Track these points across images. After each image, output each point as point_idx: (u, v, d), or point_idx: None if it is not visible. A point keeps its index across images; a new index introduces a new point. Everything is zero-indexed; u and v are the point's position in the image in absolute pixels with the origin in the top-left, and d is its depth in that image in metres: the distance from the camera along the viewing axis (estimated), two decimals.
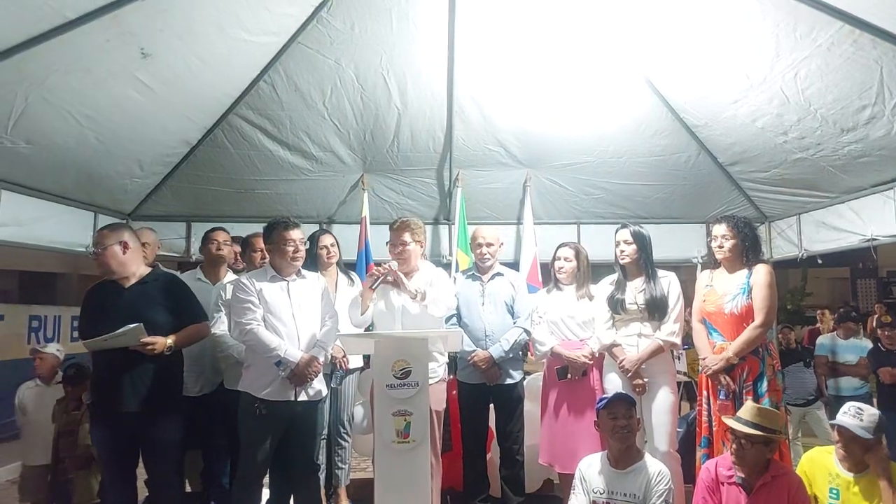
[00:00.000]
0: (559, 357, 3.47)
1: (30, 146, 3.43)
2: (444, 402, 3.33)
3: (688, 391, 5.95)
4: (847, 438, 2.61)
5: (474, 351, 3.47)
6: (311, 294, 3.14)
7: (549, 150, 4.59)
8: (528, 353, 4.19)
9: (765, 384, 3.05)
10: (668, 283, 3.32)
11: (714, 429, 3.13)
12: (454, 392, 3.66)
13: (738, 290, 3.15)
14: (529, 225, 4.84)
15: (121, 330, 2.75)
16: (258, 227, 3.50)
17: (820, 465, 2.76)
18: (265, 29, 3.51)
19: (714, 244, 3.27)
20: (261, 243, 3.40)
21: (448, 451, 3.64)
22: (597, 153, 4.56)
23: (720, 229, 3.23)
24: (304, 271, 3.16)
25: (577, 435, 3.32)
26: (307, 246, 3.23)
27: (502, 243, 3.80)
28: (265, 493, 3.18)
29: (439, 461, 3.20)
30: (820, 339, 5.42)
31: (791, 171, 4.26)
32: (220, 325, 3.44)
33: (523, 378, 3.73)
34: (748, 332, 3.08)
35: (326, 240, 3.73)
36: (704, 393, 3.22)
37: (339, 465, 3.75)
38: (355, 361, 3.76)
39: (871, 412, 2.64)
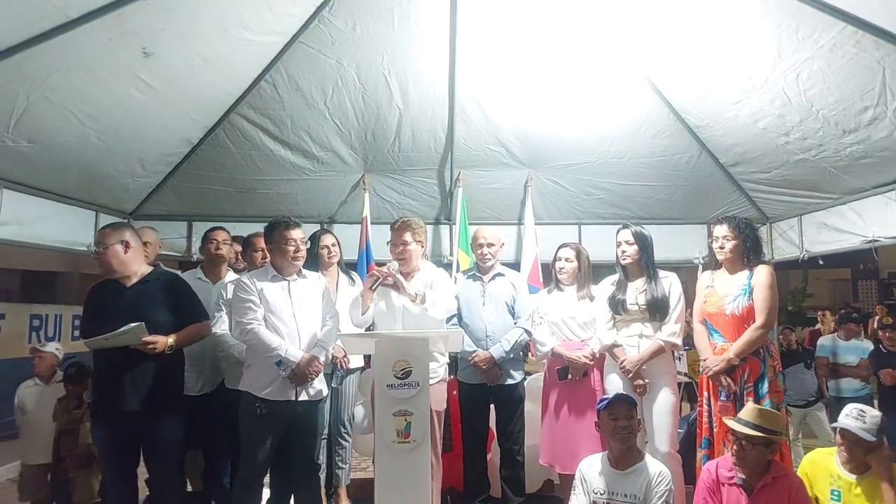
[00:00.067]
0: (560, 357, 3.46)
1: (31, 145, 3.43)
2: (444, 402, 3.33)
3: (688, 392, 5.94)
4: (850, 441, 2.61)
5: (475, 351, 3.47)
6: (312, 294, 3.13)
7: (551, 151, 4.60)
8: (529, 354, 4.19)
9: (766, 385, 3.04)
10: (670, 283, 3.31)
11: (715, 430, 3.12)
12: (455, 392, 3.66)
13: (739, 291, 3.14)
14: (530, 225, 4.84)
15: (122, 329, 2.75)
16: (259, 227, 3.50)
17: (821, 466, 2.75)
18: (267, 28, 3.51)
19: (715, 245, 3.26)
20: (262, 243, 3.39)
21: (448, 451, 3.63)
22: (598, 153, 4.56)
23: (721, 230, 3.22)
24: (304, 271, 3.16)
25: (577, 435, 3.31)
26: (308, 246, 3.23)
27: (503, 243, 3.80)
28: (266, 493, 3.18)
29: (440, 461, 3.20)
30: (821, 341, 5.42)
31: (792, 172, 4.26)
32: (221, 325, 3.45)
33: (524, 378, 3.72)
34: (749, 333, 3.07)
35: (327, 239, 3.73)
36: (705, 394, 3.22)
37: (340, 464, 3.75)
38: (356, 361, 3.75)
39: (873, 413, 2.64)
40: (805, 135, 3.75)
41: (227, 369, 3.47)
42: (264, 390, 2.90)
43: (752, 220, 3.53)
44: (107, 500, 3.23)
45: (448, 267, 4.74)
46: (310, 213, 4.93)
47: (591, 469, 2.77)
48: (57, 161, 3.70)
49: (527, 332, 3.54)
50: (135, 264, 2.98)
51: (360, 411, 3.90)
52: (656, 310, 3.26)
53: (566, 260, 3.59)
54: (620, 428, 2.65)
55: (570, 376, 3.41)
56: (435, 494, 3.03)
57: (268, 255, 3.22)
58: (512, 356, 3.51)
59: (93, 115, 3.46)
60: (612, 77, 3.97)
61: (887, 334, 4.84)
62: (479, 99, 4.16)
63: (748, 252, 3.19)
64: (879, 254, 4.32)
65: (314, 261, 3.53)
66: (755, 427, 2.54)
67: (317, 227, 4.27)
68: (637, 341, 3.28)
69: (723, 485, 2.64)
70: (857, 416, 2.61)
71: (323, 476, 3.55)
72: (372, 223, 4.76)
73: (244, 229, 4.07)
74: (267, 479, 3.10)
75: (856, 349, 5.06)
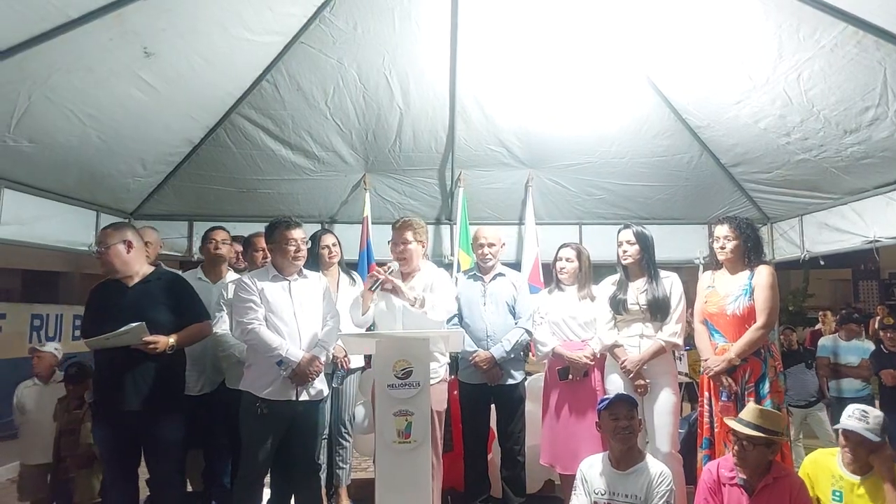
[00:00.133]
0: (560, 358, 3.46)
1: (32, 145, 3.43)
2: (445, 402, 3.32)
3: (689, 392, 5.93)
4: (854, 442, 2.61)
5: (476, 351, 3.47)
6: (313, 294, 3.13)
7: (551, 151, 4.59)
8: (530, 354, 4.19)
9: (767, 385, 3.04)
10: (671, 283, 3.31)
11: (716, 430, 3.12)
12: (455, 392, 3.66)
13: (739, 292, 3.14)
14: (531, 225, 4.84)
15: (123, 329, 2.75)
16: (260, 227, 3.50)
17: (823, 467, 2.75)
18: (268, 28, 3.51)
19: (716, 245, 3.26)
20: (262, 243, 3.40)
21: (449, 451, 3.63)
22: (599, 154, 4.56)
23: (722, 230, 3.22)
24: (305, 271, 3.16)
25: (578, 436, 3.31)
26: (309, 245, 3.23)
27: (504, 244, 3.80)
28: (266, 493, 3.18)
29: (440, 461, 3.20)
30: (822, 341, 5.42)
31: (793, 173, 4.25)
32: (222, 325, 3.45)
33: (525, 378, 3.72)
34: (750, 334, 3.07)
35: (328, 239, 3.73)
36: (706, 394, 3.22)
37: (340, 464, 3.75)
38: (356, 361, 3.75)
39: (875, 414, 2.64)
40: (806, 135, 3.75)
41: (228, 369, 3.47)
42: (265, 390, 2.90)
43: (753, 220, 3.53)
44: (107, 500, 3.24)
45: (449, 267, 4.74)
46: (310, 213, 4.93)
47: (592, 469, 2.77)
48: (58, 161, 3.70)
49: (527, 332, 3.54)
50: (137, 264, 2.98)
51: (360, 411, 3.90)
52: (657, 310, 3.26)
53: (567, 260, 3.59)
54: (621, 428, 2.65)
55: (570, 376, 3.41)
56: (435, 495, 3.02)
57: (268, 255, 3.23)
58: (513, 356, 3.51)
59: (94, 114, 3.46)
60: (613, 77, 3.96)
61: (888, 335, 4.84)
62: (480, 99, 4.15)
63: (749, 252, 3.19)
64: (880, 254, 4.32)
65: (315, 261, 3.53)
66: (756, 427, 2.54)
67: (317, 227, 4.27)
68: (638, 341, 3.28)
69: (724, 485, 2.64)
70: (860, 417, 2.61)
71: (323, 476, 3.55)
72: (373, 223, 4.76)
73: (245, 229, 4.08)
74: (267, 480, 3.10)
75: (857, 349, 5.06)
